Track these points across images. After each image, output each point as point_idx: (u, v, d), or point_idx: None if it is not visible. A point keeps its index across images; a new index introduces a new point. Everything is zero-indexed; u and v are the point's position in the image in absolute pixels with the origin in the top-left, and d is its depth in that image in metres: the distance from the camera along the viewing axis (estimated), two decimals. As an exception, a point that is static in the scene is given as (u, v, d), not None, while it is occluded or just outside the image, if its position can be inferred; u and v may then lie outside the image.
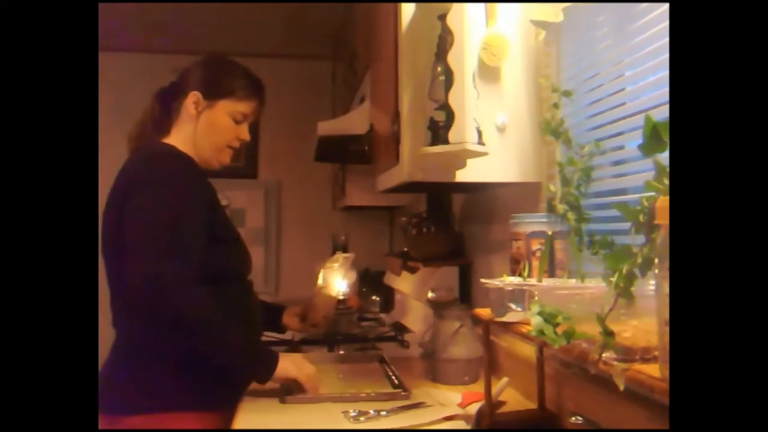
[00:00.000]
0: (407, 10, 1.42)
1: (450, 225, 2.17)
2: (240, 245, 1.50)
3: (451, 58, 1.25)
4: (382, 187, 1.77)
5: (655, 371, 0.75)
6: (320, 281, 1.68)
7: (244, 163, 3.76)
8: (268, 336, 1.79)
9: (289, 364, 1.39)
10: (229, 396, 1.42)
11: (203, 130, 1.45)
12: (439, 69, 1.29)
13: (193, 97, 1.44)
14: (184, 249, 1.27)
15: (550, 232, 1.21)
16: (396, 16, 1.46)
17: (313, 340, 2.09)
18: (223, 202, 1.49)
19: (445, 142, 1.26)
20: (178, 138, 1.44)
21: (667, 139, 0.69)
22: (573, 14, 1.37)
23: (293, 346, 2.02)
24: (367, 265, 3.12)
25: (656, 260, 0.72)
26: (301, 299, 1.87)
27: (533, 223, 1.25)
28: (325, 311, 1.73)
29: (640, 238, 0.75)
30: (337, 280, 1.77)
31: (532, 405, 1.35)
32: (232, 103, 1.46)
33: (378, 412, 1.37)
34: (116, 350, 1.38)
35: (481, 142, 1.30)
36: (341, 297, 2.02)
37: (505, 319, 1.10)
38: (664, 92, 1.02)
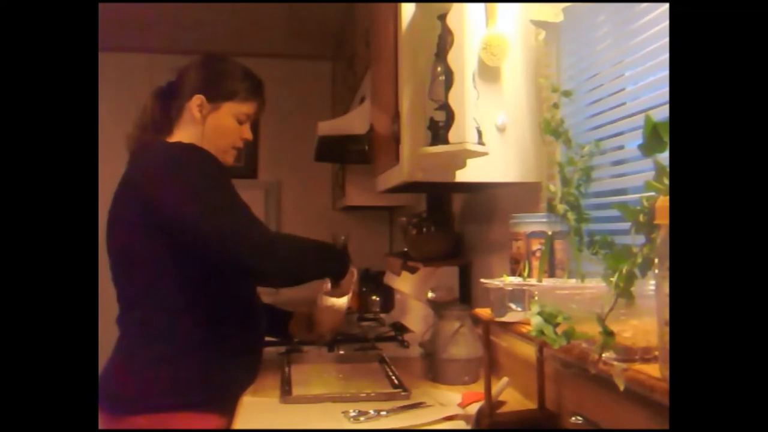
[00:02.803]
0: (407, 10, 1.42)
1: (450, 225, 2.17)
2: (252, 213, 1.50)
3: (451, 58, 1.25)
4: (382, 187, 1.77)
5: (655, 371, 0.75)
6: (326, 301, 1.62)
7: (244, 163, 3.76)
8: (269, 337, 1.79)
9: (349, 276, 1.53)
10: (229, 395, 1.42)
11: (210, 133, 1.45)
12: (439, 69, 1.29)
13: (197, 101, 1.44)
14: (252, 214, 1.37)
15: (550, 232, 1.21)
16: (396, 16, 1.46)
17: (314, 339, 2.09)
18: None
19: (445, 142, 1.26)
20: (182, 140, 1.44)
21: (667, 139, 0.69)
22: (573, 14, 1.37)
23: (293, 346, 2.02)
24: (367, 265, 3.12)
25: (656, 260, 0.72)
26: (301, 300, 1.87)
27: (533, 223, 1.25)
28: (332, 325, 1.71)
29: (640, 238, 0.75)
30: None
31: (532, 405, 1.35)
32: (236, 104, 1.47)
33: (378, 412, 1.37)
34: (119, 349, 1.38)
35: (481, 142, 1.30)
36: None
37: (505, 319, 1.10)
38: (664, 92, 1.02)
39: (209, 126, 1.45)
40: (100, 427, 1.27)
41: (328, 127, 2.33)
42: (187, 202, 1.28)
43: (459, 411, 1.38)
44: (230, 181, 1.38)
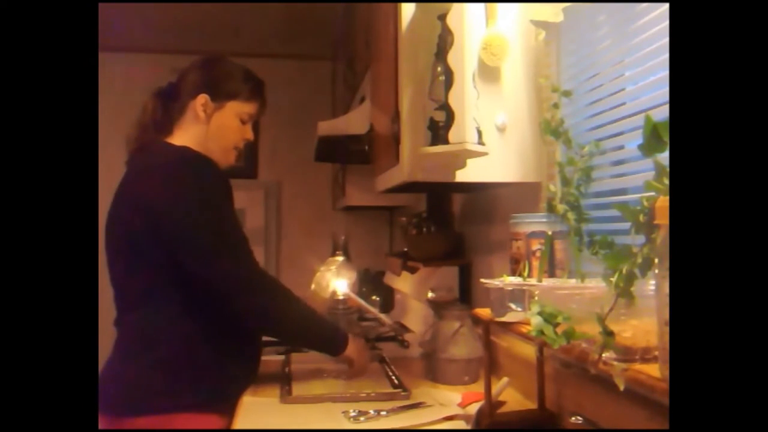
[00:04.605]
0: (407, 10, 1.42)
1: (450, 225, 2.17)
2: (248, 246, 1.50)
3: (451, 58, 1.25)
4: (382, 187, 1.77)
5: (655, 371, 0.75)
6: (313, 285, 1.69)
7: (244, 163, 3.76)
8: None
9: (353, 348, 1.52)
10: (229, 396, 1.42)
11: (213, 132, 1.46)
12: (439, 69, 1.29)
13: (202, 100, 1.44)
14: (248, 247, 1.38)
15: (550, 232, 1.21)
16: (396, 16, 1.46)
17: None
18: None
19: (445, 142, 1.26)
20: (184, 139, 1.44)
21: (667, 139, 0.69)
22: (573, 14, 1.37)
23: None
24: (367, 265, 3.12)
25: (656, 260, 0.72)
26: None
27: (533, 223, 1.25)
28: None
29: (640, 238, 0.75)
30: (330, 283, 1.77)
31: (532, 405, 1.35)
32: (240, 104, 1.48)
33: (378, 412, 1.37)
34: (117, 351, 1.38)
35: (481, 142, 1.30)
36: (340, 297, 2.02)
37: (505, 319, 1.10)
38: (664, 92, 1.02)
39: (213, 125, 1.46)
40: (100, 427, 1.27)
41: (328, 127, 2.33)
42: (183, 217, 1.31)
43: (459, 411, 1.38)
44: (229, 194, 1.40)
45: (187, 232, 1.30)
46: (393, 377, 1.66)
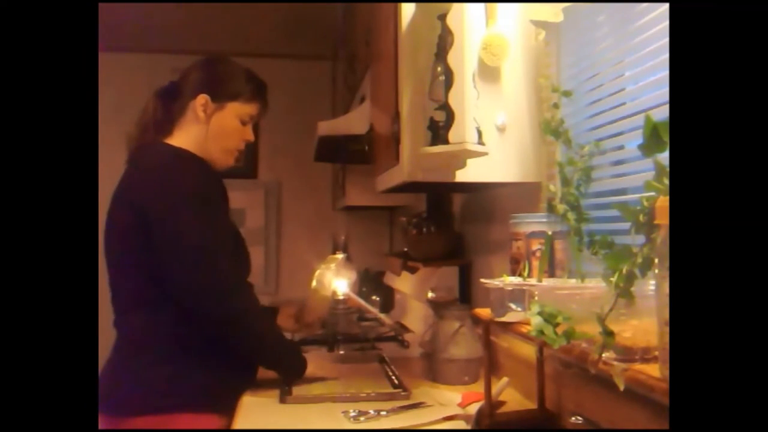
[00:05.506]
0: (407, 10, 1.42)
1: (450, 225, 2.17)
2: (243, 247, 1.50)
3: (451, 58, 1.25)
4: (382, 187, 1.77)
5: (655, 371, 0.75)
6: (314, 283, 1.70)
7: (244, 163, 3.76)
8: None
9: (315, 368, 1.54)
10: (229, 396, 1.42)
11: (213, 133, 1.46)
12: (439, 69, 1.29)
13: (202, 100, 1.44)
14: (230, 254, 1.37)
15: (550, 232, 1.21)
16: (396, 16, 1.46)
17: (313, 340, 2.09)
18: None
19: (445, 142, 1.26)
20: (184, 140, 1.44)
21: (667, 139, 0.69)
22: (573, 14, 1.37)
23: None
24: (367, 265, 3.12)
25: (656, 260, 0.72)
26: (299, 300, 1.87)
27: (533, 223, 1.25)
28: (318, 312, 1.75)
29: (640, 238, 0.75)
30: (331, 281, 1.78)
31: (532, 405, 1.35)
32: (240, 105, 1.48)
33: (378, 412, 1.37)
34: (117, 351, 1.38)
35: (481, 142, 1.30)
36: (340, 297, 2.03)
37: (505, 319, 1.10)
38: (664, 92, 1.02)
39: (213, 126, 1.45)
40: (100, 428, 1.27)
41: (328, 127, 2.33)
42: (170, 223, 1.31)
43: (459, 411, 1.38)
44: (224, 198, 1.40)
45: (171, 238, 1.30)
46: (393, 377, 1.66)
